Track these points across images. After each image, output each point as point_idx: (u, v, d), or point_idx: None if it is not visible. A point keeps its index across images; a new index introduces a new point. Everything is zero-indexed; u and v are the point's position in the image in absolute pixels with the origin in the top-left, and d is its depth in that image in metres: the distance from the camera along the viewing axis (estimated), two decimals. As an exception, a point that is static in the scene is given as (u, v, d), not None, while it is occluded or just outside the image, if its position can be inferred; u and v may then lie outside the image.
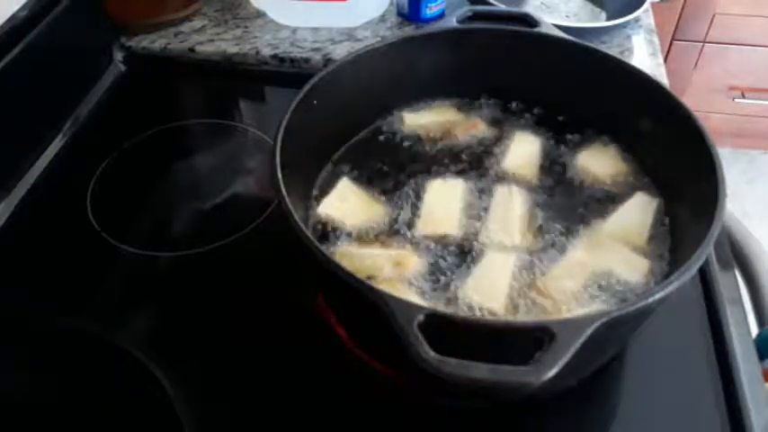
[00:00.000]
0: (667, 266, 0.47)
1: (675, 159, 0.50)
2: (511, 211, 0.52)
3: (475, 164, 0.57)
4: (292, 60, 0.79)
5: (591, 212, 0.52)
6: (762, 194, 1.83)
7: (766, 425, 0.46)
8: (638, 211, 0.51)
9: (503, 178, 0.55)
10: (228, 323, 0.53)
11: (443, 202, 0.53)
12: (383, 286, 0.43)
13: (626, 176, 0.55)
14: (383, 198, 0.54)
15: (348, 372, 0.49)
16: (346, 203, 0.53)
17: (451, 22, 0.57)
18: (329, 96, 0.52)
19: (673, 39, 1.64)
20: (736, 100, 1.73)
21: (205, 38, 0.82)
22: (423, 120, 0.60)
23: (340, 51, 0.79)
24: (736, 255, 0.59)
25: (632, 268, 0.47)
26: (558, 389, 0.45)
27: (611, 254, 0.48)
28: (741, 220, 0.61)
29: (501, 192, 0.53)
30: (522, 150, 0.57)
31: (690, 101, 0.52)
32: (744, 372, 0.48)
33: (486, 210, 0.52)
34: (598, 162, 0.56)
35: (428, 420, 0.47)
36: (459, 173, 0.56)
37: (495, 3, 0.81)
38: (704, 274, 0.55)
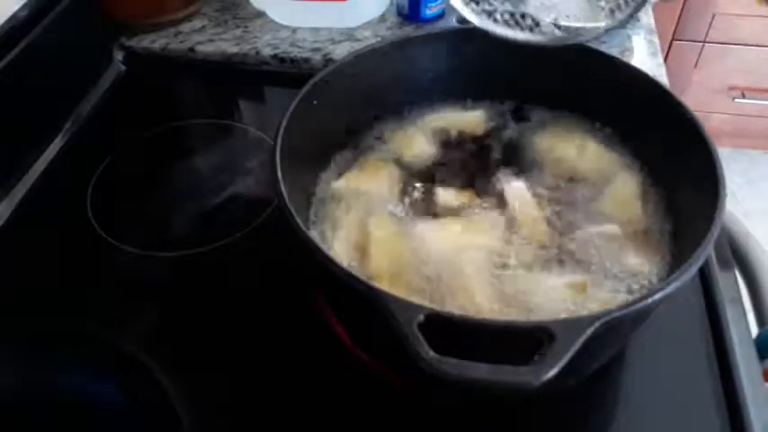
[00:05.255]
0: (667, 265, 0.47)
1: (675, 159, 0.50)
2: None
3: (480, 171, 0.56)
4: (292, 60, 0.79)
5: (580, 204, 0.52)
6: (762, 194, 1.83)
7: (766, 425, 0.46)
8: (624, 188, 0.51)
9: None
10: (228, 323, 0.53)
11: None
12: (384, 282, 0.43)
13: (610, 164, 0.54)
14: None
15: (348, 372, 0.49)
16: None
17: (451, 22, 0.58)
18: (329, 96, 0.52)
19: (673, 39, 1.64)
20: (736, 100, 1.73)
21: (205, 38, 0.82)
22: (426, 121, 0.60)
23: (340, 51, 0.79)
24: (736, 255, 0.59)
25: (628, 256, 0.47)
26: (558, 389, 0.45)
27: (605, 244, 0.48)
28: (741, 220, 0.61)
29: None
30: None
31: (690, 101, 0.52)
32: (744, 372, 0.48)
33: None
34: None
35: (428, 420, 0.47)
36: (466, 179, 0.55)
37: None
38: (704, 274, 0.55)
